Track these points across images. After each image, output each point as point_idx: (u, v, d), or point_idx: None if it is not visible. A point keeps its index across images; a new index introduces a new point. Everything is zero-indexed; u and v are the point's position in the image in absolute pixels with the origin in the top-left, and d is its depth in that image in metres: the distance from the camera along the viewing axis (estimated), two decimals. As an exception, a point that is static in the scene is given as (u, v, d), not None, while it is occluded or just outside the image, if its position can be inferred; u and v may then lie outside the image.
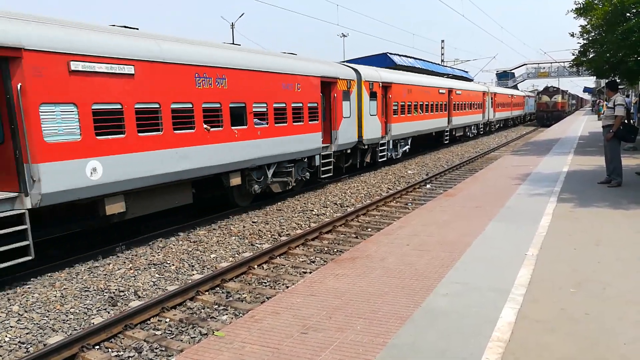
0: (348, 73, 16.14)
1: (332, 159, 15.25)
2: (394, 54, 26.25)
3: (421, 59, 30.82)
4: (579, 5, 16.78)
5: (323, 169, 14.79)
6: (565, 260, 5.47)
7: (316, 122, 14.04)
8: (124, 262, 8.29)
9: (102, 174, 8.10)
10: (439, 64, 39.53)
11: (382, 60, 24.87)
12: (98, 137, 8.07)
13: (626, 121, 9.87)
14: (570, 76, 68.13)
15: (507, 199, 8.99)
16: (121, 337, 5.81)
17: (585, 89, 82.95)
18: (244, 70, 11.14)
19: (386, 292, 4.81)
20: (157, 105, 9.09)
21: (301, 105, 13.31)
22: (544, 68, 69.53)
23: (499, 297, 4.50)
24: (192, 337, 5.73)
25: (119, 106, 8.43)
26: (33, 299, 6.73)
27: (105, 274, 7.72)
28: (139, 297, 6.94)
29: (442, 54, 50.06)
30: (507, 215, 7.75)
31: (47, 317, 6.25)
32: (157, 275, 7.72)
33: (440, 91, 25.60)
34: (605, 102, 14.82)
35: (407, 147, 22.07)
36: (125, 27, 9.42)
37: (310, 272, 7.53)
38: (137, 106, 8.71)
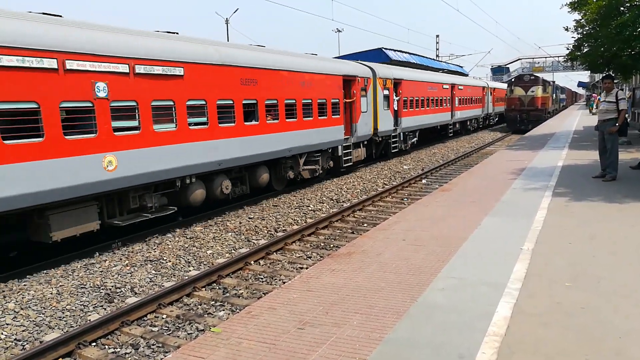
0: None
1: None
2: (389, 49, 26.21)
3: (416, 54, 30.78)
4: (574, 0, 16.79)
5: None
6: (561, 254, 5.49)
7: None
8: (120, 259, 8.27)
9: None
10: (433, 59, 39.51)
11: (377, 55, 24.82)
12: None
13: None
14: (564, 71, 68.30)
15: (503, 194, 9.02)
16: (118, 333, 5.81)
17: (580, 84, 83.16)
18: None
19: (382, 287, 4.82)
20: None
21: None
22: (538, 63, 69.63)
23: (495, 291, 4.52)
24: (188, 334, 5.73)
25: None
26: (29, 296, 6.71)
27: (102, 271, 7.70)
28: (136, 293, 6.93)
29: (437, 49, 50.04)
30: (503, 210, 7.78)
31: (43, 314, 6.23)
32: (153, 272, 7.71)
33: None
34: (598, 97, 14.83)
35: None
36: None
37: (306, 268, 7.54)
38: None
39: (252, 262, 8.09)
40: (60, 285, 7.09)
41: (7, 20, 6.99)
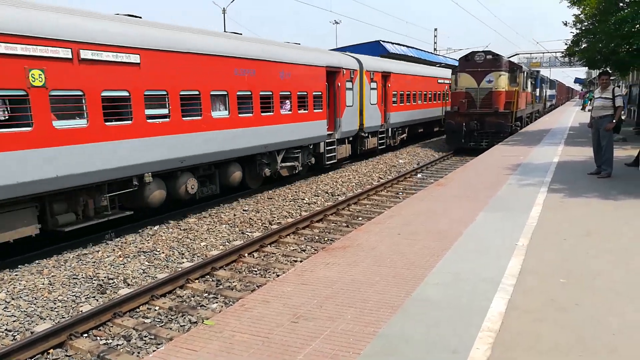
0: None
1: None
2: (387, 42, 26.13)
3: (414, 47, 30.70)
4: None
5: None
6: (556, 250, 5.49)
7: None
8: (113, 250, 8.22)
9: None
10: (431, 53, 39.41)
11: (375, 48, 24.77)
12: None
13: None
14: (562, 66, 68.18)
15: (498, 189, 9.01)
16: (110, 325, 5.78)
17: (577, 80, 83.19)
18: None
19: (377, 281, 4.80)
20: None
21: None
22: (536, 58, 69.39)
23: (490, 287, 4.50)
24: (181, 326, 5.70)
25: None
26: (20, 286, 6.65)
27: (94, 262, 7.65)
28: (128, 284, 6.89)
29: (435, 43, 49.89)
30: (498, 205, 7.76)
31: (34, 304, 6.18)
32: (146, 263, 7.67)
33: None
34: (592, 94, 14.84)
35: None
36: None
37: (301, 261, 7.51)
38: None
39: (246, 255, 8.06)
40: (52, 276, 7.04)
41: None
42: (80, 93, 7.90)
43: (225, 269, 7.53)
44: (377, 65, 18.97)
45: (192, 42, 10.00)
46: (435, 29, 50.42)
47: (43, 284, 6.77)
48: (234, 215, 10.51)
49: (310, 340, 3.67)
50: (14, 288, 6.60)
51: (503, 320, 3.83)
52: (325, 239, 8.99)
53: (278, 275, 6.92)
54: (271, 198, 12.15)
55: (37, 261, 7.70)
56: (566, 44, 20.44)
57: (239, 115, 11.28)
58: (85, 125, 8.00)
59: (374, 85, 18.37)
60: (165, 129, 9.42)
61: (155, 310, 6.17)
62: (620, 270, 4.82)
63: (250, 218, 10.27)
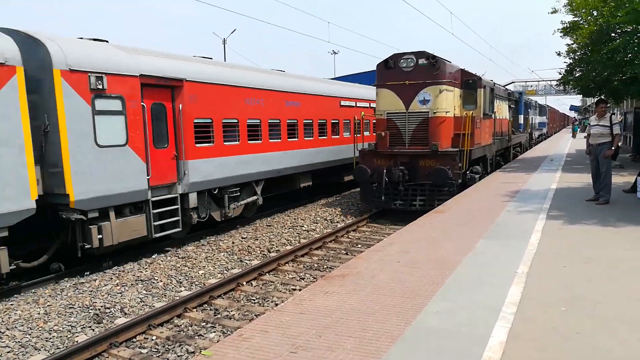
0: None
1: None
2: (385, 71, 26.47)
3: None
4: (566, 25, 17.11)
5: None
6: (556, 278, 5.46)
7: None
8: (111, 278, 8.15)
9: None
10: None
11: (374, 77, 25.08)
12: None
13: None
14: (557, 94, 69.04)
15: (497, 216, 9.01)
16: (106, 355, 5.69)
17: (572, 107, 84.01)
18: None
19: (376, 310, 4.75)
20: None
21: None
22: (531, 86, 70.28)
23: (490, 315, 4.46)
24: (178, 356, 5.62)
25: None
26: (15, 316, 6.57)
27: (91, 290, 7.57)
28: (125, 314, 6.81)
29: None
30: (497, 233, 7.75)
31: (29, 334, 6.10)
32: (144, 292, 7.59)
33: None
34: (587, 121, 15.03)
35: None
36: None
37: (299, 289, 7.45)
38: None
39: (245, 283, 7.99)
40: (48, 305, 6.96)
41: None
42: (366, 121, 18.17)
43: (223, 298, 7.46)
44: None
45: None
46: (432, 58, 51.08)
47: (39, 313, 6.69)
48: (233, 242, 10.46)
49: (310, 371, 3.61)
50: (9, 318, 6.52)
51: (504, 350, 3.78)
52: (324, 267, 8.93)
53: (277, 304, 6.85)
54: (270, 225, 12.12)
55: (33, 290, 7.64)
56: (560, 73, 20.76)
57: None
58: (368, 134, 18.22)
59: None
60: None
61: (152, 340, 6.09)
62: (622, 298, 4.79)
63: (248, 246, 10.22)
